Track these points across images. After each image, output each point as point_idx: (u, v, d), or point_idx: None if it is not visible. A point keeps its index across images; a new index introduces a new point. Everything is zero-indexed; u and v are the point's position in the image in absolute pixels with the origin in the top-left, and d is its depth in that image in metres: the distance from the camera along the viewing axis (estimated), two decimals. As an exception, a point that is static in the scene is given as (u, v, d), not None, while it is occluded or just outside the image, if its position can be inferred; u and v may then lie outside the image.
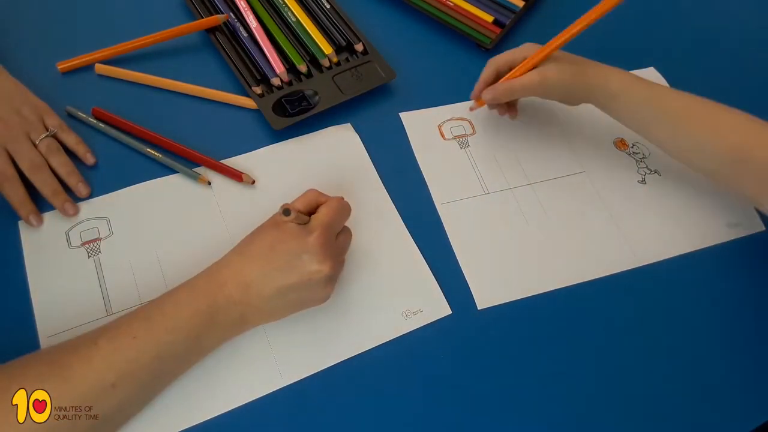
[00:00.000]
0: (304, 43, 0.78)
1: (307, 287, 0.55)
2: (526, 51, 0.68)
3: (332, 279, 0.56)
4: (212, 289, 0.54)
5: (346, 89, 0.75)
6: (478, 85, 0.71)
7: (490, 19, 0.83)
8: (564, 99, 0.70)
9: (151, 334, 0.51)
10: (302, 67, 0.76)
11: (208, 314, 0.53)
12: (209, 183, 0.67)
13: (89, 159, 0.67)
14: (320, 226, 0.55)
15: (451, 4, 0.84)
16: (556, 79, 0.67)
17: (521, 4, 0.85)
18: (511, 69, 0.69)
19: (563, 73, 0.67)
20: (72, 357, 0.49)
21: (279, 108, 0.72)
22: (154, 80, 0.73)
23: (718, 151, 0.64)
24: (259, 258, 0.54)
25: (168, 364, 0.53)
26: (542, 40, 0.84)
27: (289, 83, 0.75)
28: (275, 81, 0.74)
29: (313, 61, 0.77)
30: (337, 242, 0.57)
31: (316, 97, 0.74)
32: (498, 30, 0.82)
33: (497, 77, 0.69)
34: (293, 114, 0.72)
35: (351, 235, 0.60)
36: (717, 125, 0.65)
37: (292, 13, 0.80)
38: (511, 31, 0.85)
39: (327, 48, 0.78)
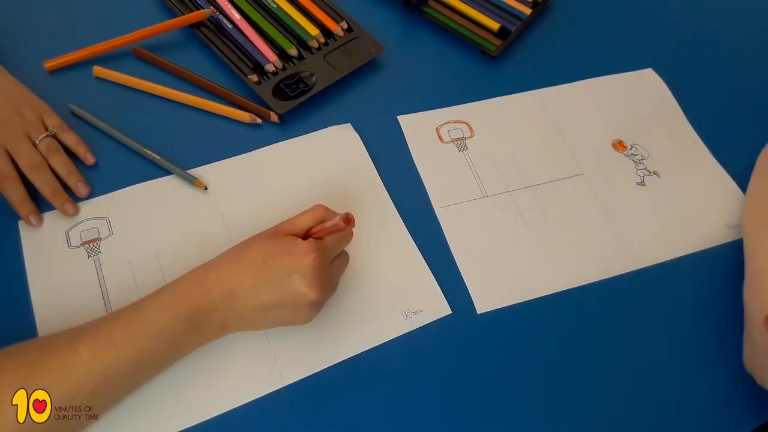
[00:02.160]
0: (289, 27, 0.79)
1: (292, 307, 0.54)
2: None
3: (318, 304, 0.55)
4: (195, 293, 0.53)
5: (339, 67, 0.77)
6: None
7: (496, 26, 0.82)
8: None
9: (131, 341, 0.50)
10: (292, 51, 0.77)
11: (189, 320, 0.52)
12: (206, 188, 0.67)
13: (89, 159, 0.67)
14: (317, 250, 0.54)
15: (457, 11, 0.84)
16: None
17: (528, 11, 0.85)
18: None
19: None
20: (50, 363, 0.48)
21: (278, 93, 0.73)
22: (154, 88, 0.73)
23: None
24: (250, 268, 0.54)
25: (146, 370, 0.53)
26: (549, 48, 0.86)
27: (283, 69, 0.76)
28: (269, 67, 0.75)
29: (302, 44, 0.78)
30: (331, 267, 0.56)
31: (313, 78, 0.75)
32: (504, 38, 0.82)
33: None
34: (294, 97, 0.73)
35: (347, 260, 0.60)
36: None
37: (272, 0, 0.81)
38: (517, 39, 0.85)
39: (312, 29, 0.79)
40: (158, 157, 0.67)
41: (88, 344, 0.49)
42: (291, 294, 0.53)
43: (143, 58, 0.75)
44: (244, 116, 0.72)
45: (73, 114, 0.70)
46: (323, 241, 0.55)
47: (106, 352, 0.49)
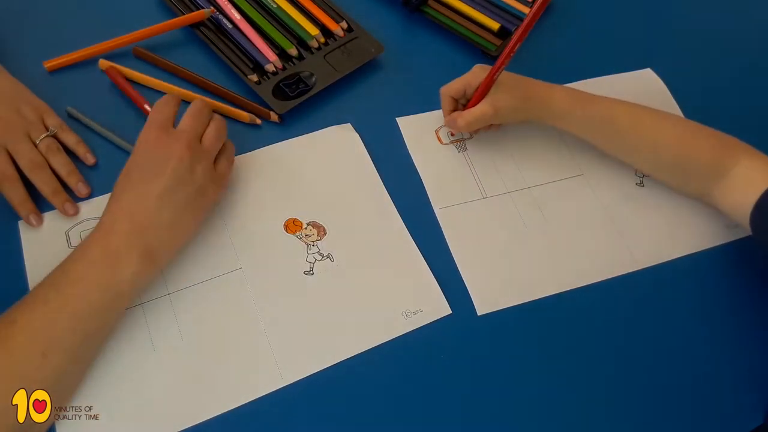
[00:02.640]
0: (289, 27, 0.79)
1: (178, 181, 0.56)
2: (476, 76, 0.69)
3: (194, 159, 0.57)
4: (101, 234, 0.54)
5: (339, 67, 0.77)
6: (444, 116, 0.73)
7: (496, 26, 0.82)
8: (519, 122, 0.73)
9: (59, 293, 0.52)
10: (292, 51, 0.77)
11: (105, 257, 0.53)
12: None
13: (89, 159, 0.67)
14: (178, 132, 0.58)
15: (457, 11, 0.84)
16: (508, 108, 0.69)
17: (528, 11, 0.85)
18: (465, 95, 0.71)
19: (513, 101, 0.69)
20: None
21: (278, 93, 0.73)
22: (159, 84, 0.73)
23: (663, 160, 0.70)
24: (136, 181, 0.56)
25: (90, 321, 0.53)
26: (549, 48, 0.85)
27: (283, 68, 0.76)
28: (269, 67, 0.75)
29: (302, 44, 0.78)
30: (203, 139, 0.59)
31: (313, 78, 0.75)
32: (504, 38, 0.82)
33: (456, 105, 0.72)
34: (294, 97, 0.73)
35: (220, 122, 0.62)
36: (658, 136, 0.70)
37: (272, 0, 0.81)
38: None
39: (312, 29, 0.79)
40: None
41: (22, 311, 0.51)
42: (168, 169, 0.56)
43: (143, 58, 0.75)
44: (244, 116, 0.72)
45: (71, 116, 0.70)
46: (182, 125, 0.59)
47: (40, 312, 0.51)
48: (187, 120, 0.60)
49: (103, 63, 0.73)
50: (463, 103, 0.72)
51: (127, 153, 0.68)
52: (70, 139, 0.67)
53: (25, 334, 0.49)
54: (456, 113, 0.70)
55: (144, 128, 0.58)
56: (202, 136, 0.60)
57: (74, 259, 0.53)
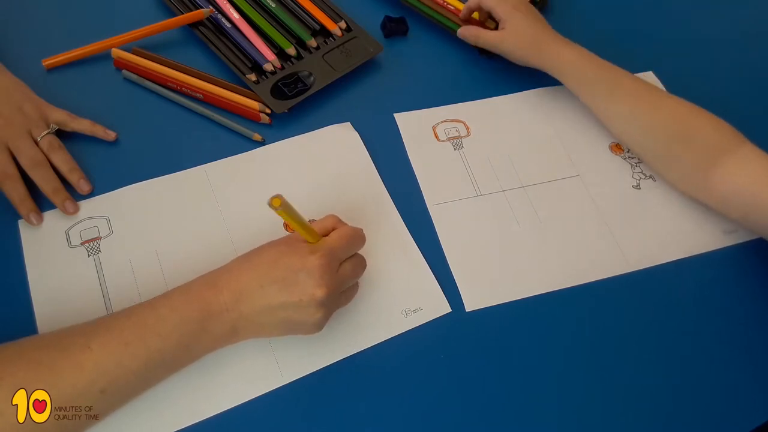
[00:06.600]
0: (288, 27, 0.79)
1: (298, 308, 0.53)
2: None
3: (324, 305, 0.54)
4: (207, 295, 0.53)
5: (337, 66, 0.77)
6: (463, 11, 0.81)
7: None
8: (521, 63, 0.77)
9: (143, 340, 0.50)
10: (291, 51, 0.77)
11: (200, 321, 0.52)
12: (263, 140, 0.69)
13: (110, 134, 0.69)
14: (324, 249, 0.54)
15: (451, 7, 0.84)
16: (512, 46, 0.76)
17: None
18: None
19: (519, 42, 0.76)
20: (63, 361, 0.49)
21: (277, 92, 0.73)
22: (169, 72, 0.73)
23: (663, 132, 0.70)
24: (258, 268, 0.54)
25: (156, 371, 0.53)
26: None
27: (282, 68, 0.76)
28: (268, 67, 0.75)
29: (300, 43, 0.79)
30: (340, 269, 0.55)
31: (311, 78, 0.75)
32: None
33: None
34: (292, 96, 0.73)
35: (362, 264, 0.59)
36: (661, 109, 0.71)
37: None
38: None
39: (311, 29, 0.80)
40: (210, 113, 0.72)
41: (100, 342, 0.50)
42: (297, 293, 0.52)
43: (143, 57, 0.75)
44: (254, 105, 0.72)
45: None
46: (330, 242, 0.55)
47: (118, 351, 0.50)
48: (349, 267, 0.57)
49: (116, 51, 0.74)
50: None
51: (129, 147, 0.69)
52: (83, 125, 0.68)
53: (96, 367, 0.49)
54: (473, 27, 0.80)
55: (321, 245, 0.55)
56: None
57: (170, 305, 0.52)
